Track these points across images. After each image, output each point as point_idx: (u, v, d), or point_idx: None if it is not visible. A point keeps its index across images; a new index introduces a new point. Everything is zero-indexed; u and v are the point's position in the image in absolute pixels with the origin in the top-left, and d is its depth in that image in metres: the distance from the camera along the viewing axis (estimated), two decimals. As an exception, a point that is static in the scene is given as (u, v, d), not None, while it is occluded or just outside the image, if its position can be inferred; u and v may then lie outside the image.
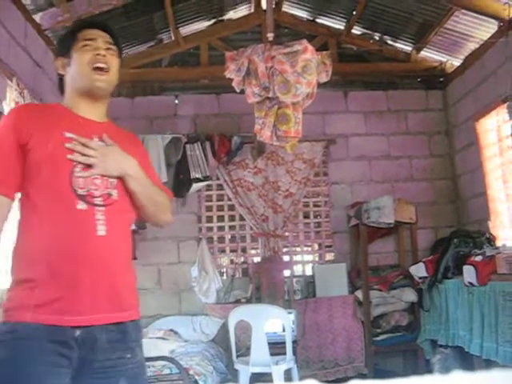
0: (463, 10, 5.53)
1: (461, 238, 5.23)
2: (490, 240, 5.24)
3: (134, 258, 5.96)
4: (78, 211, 1.73)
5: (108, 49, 1.90)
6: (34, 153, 1.75)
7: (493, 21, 5.43)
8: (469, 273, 4.47)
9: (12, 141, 1.75)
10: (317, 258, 6.56)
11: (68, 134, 1.80)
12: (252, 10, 6.54)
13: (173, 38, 6.36)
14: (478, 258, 4.51)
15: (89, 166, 1.79)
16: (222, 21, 6.57)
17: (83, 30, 1.92)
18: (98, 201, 1.77)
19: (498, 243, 5.27)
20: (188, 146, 6.02)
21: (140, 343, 1.90)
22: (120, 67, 1.95)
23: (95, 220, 1.74)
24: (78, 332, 1.69)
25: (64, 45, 1.94)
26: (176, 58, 6.65)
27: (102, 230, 1.74)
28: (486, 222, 5.68)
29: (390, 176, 6.47)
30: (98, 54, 1.86)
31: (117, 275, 1.79)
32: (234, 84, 4.51)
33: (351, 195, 6.37)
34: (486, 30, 5.64)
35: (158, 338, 5.11)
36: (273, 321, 4.82)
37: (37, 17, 4.93)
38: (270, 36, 4.95)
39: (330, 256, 6.52)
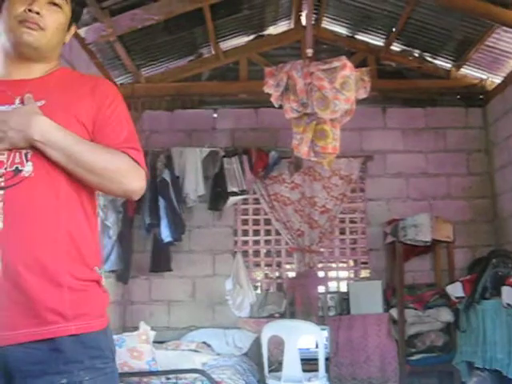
0: (504, 28, 5.47)
1: (499, 258, 5.16)
2: (529, 261, 5.15)
3: (169, 270, 6.02)
4: None
5: (51, 3, 1.54)
6: None
7: (535, 38, 5.37)
8: (508, 294, 4.39)
9: None
10: (352, 275, 6.52)
11: None
12: (292, 26, 6.59)
13: (213, 52, 6.45)
14: (518, 279, 4.44)
15: None
16: (262, 36, 6.63)
17: None
18: None
19: (538, 264, 5.18)
20: (225, 159, 6.08)
21: (89, 364, 1.41)
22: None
23: None
24: None
25: None
26: (216, 72, 6.73)
27: None
28: (526, 242, 5.59)
29: (427, 193, 6.40)
30: (29, 10, 1.50)
31: (31, 279, 1.35)
32: (272, 99, 4.55)
33: (388, 212, 6.31)
34: (527, 47, 5.58)
35: (190, 350, 5.14)
36: (306, 337, 4.82)
37: (81, 31, 5.06)
38: (309, 52, 4.98)
39: (365, 273, 6.47)
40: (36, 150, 1.41)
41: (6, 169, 1.39)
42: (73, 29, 1.65)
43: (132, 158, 1.51)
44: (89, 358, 1.41)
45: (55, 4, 1.55)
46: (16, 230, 1.35)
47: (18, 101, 1.48)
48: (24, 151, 1.41)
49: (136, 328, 4.11)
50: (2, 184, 1.38)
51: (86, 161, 1.42)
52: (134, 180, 1.49)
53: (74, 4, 1.61)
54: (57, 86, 1.54)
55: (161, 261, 5.99)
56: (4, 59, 1.58)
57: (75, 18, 1.64)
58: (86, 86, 1.57)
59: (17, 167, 1.40)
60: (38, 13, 1.50)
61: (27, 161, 1.40)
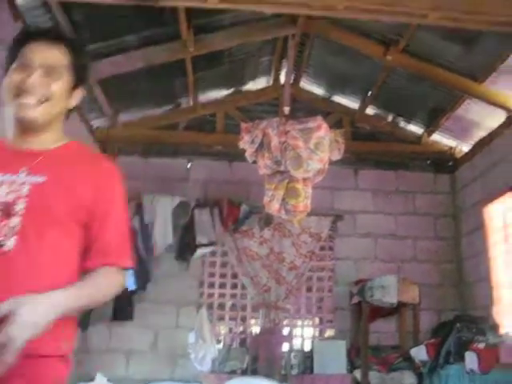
0: (474, 99, 5.67)
1: (464, 323, 5.17)
2: (494, 327, 5.18)
3: (131, 319, 5.91)
4: None
5: (48, 71, 1.52)
6: None
7: (501, 111, 5.56)
8: (471, 359, 4.40)
9: None
10: (317, 333, 6.47)
11: None
12: (270, 83, 6.72)
13: (191, 103, 6.51)
14: (481, 345, 4.45)
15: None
16: (241, 91, 6.74)
17: (26, 45, 1.54)
18: None
19: (502, 330, 5.21)
20: (196, 210, 6.09)
21: None
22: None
23: None
24: None
25: (7, 59, 1.58)
26: (192, 123, 6.77)
27: None
28: (490, 307, 5.63)
29: (395, 255, 6.46)
30: (24, 83, 1.50)
31: None
32: (247, 155, 4.60)
33: (355, 272, 6.33)
34: (495, 118, 5.77)
35: (149, 403, 5.00)
36: (268, 395, 4.73)
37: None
38: (286, 110, 5.09)
39: (330, 332, 6.43)
40: (28, 224, 1.43)
41: None
42: (77, 92, 1.60)
43: (120, 267, 1.57)
44: None
45: (53, 72, 1.52)
46: None
47: (23, 172, 1.48)
48: (12, 224, 1.43)
49: (92, 379, 4.00)
50: None
51: (89, 303, 1.50)
52: (116, 291, 1.57)
53: (75, 68, 1.58)
54: (62, 162, 1.54)
55: (123, 309, 5.88)
56: (15, 127, 1.56)
57: (79, 82, 1.60)
58: (92, 167, 1.58)
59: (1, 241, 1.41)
60: (33, 85, 1.49)
61: (11, 235, 1.41)
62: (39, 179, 1.47)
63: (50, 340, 1.39)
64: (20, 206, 1.43)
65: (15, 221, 1.42)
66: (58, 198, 1.47)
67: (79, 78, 1.59)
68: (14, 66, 1.52)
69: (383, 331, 6.21)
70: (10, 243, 1.40)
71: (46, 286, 1.39)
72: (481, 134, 6.15)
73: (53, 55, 1.53)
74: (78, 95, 1.61)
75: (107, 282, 1.53)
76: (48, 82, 1.51)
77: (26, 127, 1.53)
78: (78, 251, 1.53)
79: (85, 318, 5.45)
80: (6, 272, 1.38)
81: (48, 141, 1.57)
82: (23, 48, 1.53)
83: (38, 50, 1.52)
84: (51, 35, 1.58)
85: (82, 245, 1.54)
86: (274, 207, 4.46)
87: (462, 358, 4.61)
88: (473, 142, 6.37)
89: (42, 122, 1.52)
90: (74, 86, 1.58)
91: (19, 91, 1.49)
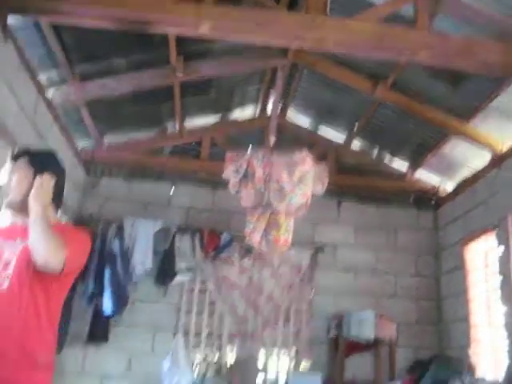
0: (460, 138, 5.70)
1: (440, 363, 5.16)
2: (470, 368, 5.17)
3: (105, 340, 5.82)
4: None
5: (14, 171, 2.26)
6: None
7: (487, 152, 5.60)
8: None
9: None
10: (292, 365, 6.40)
11: None
12: (257, 113, 6.74)
13: (177, 128, 6.50)
14: (457, 387, 4.43)
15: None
16: (227, 119, 6.74)
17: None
18: None
19: (478, 373, 5.19)
20: (177, 236, 6.04)
21: None
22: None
23: None
24: None
25: None
26: (177, 148, 6.77)
27: None
28: (467, 348, 5.60)
29: (374, 291, 6.43)
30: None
31: None
32: (230, 186, 4.58)
33: (334, 306, 6.29)
34: (480, 159, 5.80)
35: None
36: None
37: (49, 92, 5.07)
38: (272, 139, 5.09)
39: (305, 364, 6.36)
40: (17, 276, 2.06)
41: None
42: (41, 177, 2.19)
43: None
44: None
45: (15, 171, 2.25)
46: None
47: (19, 239, 2.14)
48: (6, 274, 2.08)
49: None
50: None
51: (46, 228, 2.04)
52: (58, 260, 2.01)
53: (32, 164, 2.26)
54: None
55: (99, 331, 5.81)
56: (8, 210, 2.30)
57: (37, 172, 2.21)
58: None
59: None
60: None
61: (5, 278, 2.07)
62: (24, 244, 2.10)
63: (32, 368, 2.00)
64: (13, 261, 2.10)
65: (9, 272, 2.09)
66: None
67: (37, 169, 2.23)
68: None
69: (359, 366, 6.16)
70: (4, 285, 2.06)
71: (23, 310, 2.04)
72: (465, 172, 6.18)
73: (18, 163, 2.27)
74: (39, 181, 2.19)
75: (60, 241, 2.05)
76: (11, 177, 2.24)
77: (9, 207, 2.26)
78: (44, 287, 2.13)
79: (60, 340, 5.34)
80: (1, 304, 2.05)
81: (26, 219, 2.14)
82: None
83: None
84: (21, 154, 2.31)
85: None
86: (254, 238, 4.44)
87: (436, 399, 4.59)
88: (456, 181, 6.40)
89: (12, 201, 2.22)
90: (35, 175, 2.22)
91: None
